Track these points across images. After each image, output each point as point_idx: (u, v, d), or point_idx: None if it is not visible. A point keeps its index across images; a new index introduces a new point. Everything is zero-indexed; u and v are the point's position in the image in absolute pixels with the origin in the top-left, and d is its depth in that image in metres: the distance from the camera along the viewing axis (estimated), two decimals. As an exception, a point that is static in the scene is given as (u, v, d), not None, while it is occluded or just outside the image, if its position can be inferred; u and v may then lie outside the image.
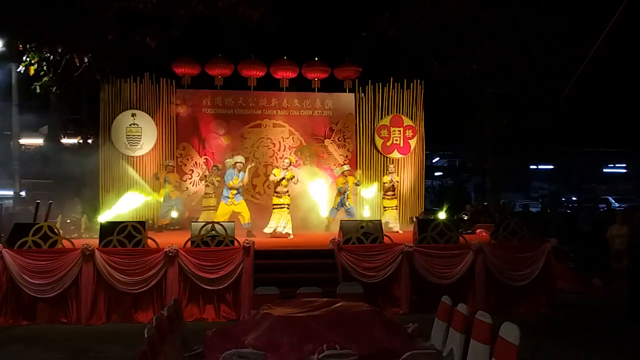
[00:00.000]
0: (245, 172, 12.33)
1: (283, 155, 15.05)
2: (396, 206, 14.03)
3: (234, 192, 12.23)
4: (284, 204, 12.31)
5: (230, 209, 12.27)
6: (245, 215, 12.33)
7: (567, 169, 34.58)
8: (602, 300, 11.10)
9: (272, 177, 12.60)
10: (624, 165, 36.45)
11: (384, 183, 13.95)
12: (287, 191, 12.44)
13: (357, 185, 13.94)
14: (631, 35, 15.95)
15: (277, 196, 12.38)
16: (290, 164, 12.65)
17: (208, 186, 13.81)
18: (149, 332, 5.10)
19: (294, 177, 12.60)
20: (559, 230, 15.17)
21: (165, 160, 14.56)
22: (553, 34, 15.39)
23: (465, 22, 14.86)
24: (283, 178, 12.26)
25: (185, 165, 15.02)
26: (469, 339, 5.73)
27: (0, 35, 13.60)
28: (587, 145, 28.12)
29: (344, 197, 13.41)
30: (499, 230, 10.52)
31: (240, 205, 12.33)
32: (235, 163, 12.33)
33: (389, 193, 13.89)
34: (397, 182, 14.23)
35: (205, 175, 14.08)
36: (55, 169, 14.38)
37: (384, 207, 13.98)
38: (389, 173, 14.15)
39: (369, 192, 14.68)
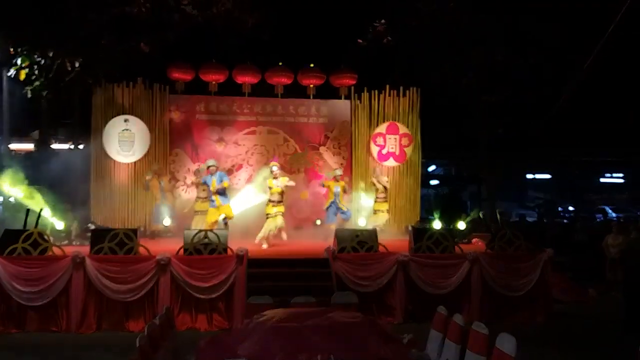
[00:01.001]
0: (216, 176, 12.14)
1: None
2: (388, 210, 13.94)
3: (218, 196, 12.07)
4: (278, 213, 12.18)
5: (219, 212, 12.08)
6: (229, 215, 12.11)
7: (564, 178, 34.57)
8: (598, 310, 11.11)
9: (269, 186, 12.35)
10: (621, 175, 36.49)
11: (376, 187, 13.82)
12: (281, 200, 12.30)
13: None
14: (627, 44, 15.99)
15: (273, 205, 12.20)
16: (277, 169, 12.48)
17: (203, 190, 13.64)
18: (140, 341, 5.02)
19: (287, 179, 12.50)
20: (555, 240, 15.11)
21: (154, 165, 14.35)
22: (550, 40, 15.37)
23: (461, 27, 14.83)
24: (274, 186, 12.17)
25: (178, 171, 14.87)
26: (464, 349, 5.65)
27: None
28: (584, 154, 28.17)
29: (336, 202, 13.12)
30: (495, 240, 10.47)
31: (226, 207, 12.14)
32: (208, 167, 12.28)
33: (382, 195, 13.81)
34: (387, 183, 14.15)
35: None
36: (46, 174, 14.22)
37: (375, 211, 13.81)
38: (377, 176, 14.03)
39: (367, 200, 14.52)
